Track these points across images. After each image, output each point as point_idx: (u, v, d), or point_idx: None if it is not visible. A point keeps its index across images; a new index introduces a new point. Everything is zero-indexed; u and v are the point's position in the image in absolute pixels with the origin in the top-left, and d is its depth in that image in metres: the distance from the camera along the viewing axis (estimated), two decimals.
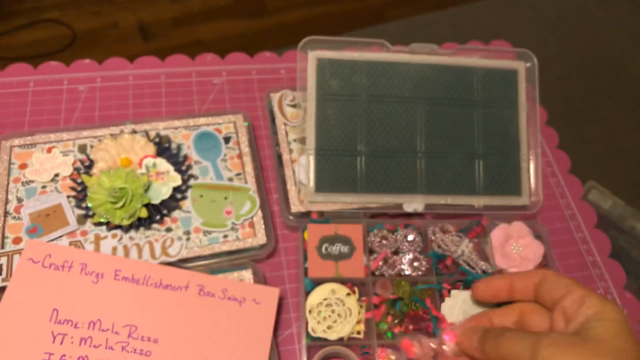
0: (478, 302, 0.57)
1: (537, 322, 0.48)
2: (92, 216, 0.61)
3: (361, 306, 0.59)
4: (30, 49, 1.93)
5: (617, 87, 2.13)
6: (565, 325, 0.45)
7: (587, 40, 2.28)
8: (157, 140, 0.67)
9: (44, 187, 0.62)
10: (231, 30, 2.08)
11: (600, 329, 0.41)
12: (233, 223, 0.63)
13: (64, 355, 0.51)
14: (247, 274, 0.60)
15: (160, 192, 0.63)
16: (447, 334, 0.53)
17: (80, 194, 0.62)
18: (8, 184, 0.62)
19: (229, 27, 2.09)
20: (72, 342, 0.51)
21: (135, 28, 2.04)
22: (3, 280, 0.56)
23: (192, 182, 0.65)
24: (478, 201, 0.67)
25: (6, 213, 0.60)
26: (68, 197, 0.62)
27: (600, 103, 2.08)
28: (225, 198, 0.64)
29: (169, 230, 0.62)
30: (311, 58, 0.65)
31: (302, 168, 0.65)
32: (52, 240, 0.59)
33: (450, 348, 0.52)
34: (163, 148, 0.66)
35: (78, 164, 0.64)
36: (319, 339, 0.56)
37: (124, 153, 0.64)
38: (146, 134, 0.67)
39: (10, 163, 0.63)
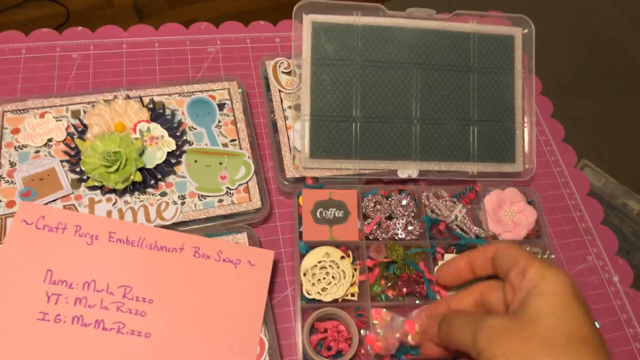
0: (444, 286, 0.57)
1: (495, 300, 0.46)
2: (86, 180, 0.61)
3: (355, 269, 0.59)
4: (23, 28, 1.89)
5: (611, 67, 2.13)
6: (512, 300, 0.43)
7: (582, 20, 2.27)
8: (151, 105, 0.66)
9: (37, 151, 0.62)
10: (227, 9, 2.06)
11: (536, 306, 0.39)
12: (228, 188, 0.63)
13: (59, 315, 0.51)
14: (242, 238, 0.60)
15: (155, 156, 0.62)
16: (408, 323, 0.53)
17: (74, 159, 0.62)
18: (0, 148, 0.62)
19: (225, 5, 2.07)
20: (66, 302, 0.51)
21: (130, 7, 2.02)
22: None
23: (186, 147, 0.65)
24: (472, 168, 0.68)
25: None
26: (62, 161, 0.62)
27: (594, 82, 2.08)
28: (220, 163, 0.64)
29: (163, 194, 0.62)
30: (306, 22, 0.65)
31: (297, 134, 0.65)
32: (46, 204, 0.59)
33: (413, 337, 0.53)
34: (157, 113, 0.66)
35: (71, 129, 0.64)
36: (314, 300, 0.57)
37: (117, 118, 0.64)
38: (140, 99, 0.66)
39: (2, 128, 0.63)
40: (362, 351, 0.56)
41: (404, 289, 0.59)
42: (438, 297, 0.59)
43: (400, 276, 0.60)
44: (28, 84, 0.70)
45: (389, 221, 0.63)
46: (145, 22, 1.97)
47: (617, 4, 2.35)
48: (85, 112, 0.65)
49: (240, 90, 0.70)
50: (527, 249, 0.63)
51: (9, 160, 0.61)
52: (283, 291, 0.61)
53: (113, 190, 0.60)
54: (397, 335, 0.54)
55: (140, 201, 0.60)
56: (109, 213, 0.59)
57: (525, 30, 0.70)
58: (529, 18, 0.70)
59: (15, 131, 0.63)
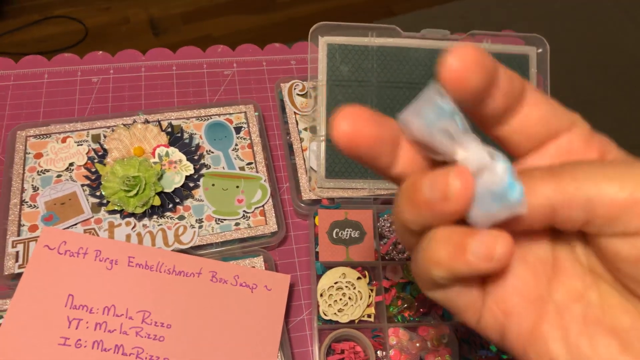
0: None
1: None
2: (106, 204, 0.62)
3: (371, 290, 0.59)
4: (42, 44, 1.94)
5: (626, 81, 2.11)
6: None
7: (596, 34, 2.26)
8: (169, 130, 0.68)
9: (58, 176, 0.63)
10: (241, 25, 2.09)
11: None
12: (244, 211, 0.64)
13: (80, 340, 0.52)
14: (259, 261, 0.61)
15: (173, 180, 0.63)
16: (422, 329, 0.56)
17: (95, 183, 0.63)
18: (24, 173, 0.63)
19: (239, 21, 2.10)
20: (87, 327, 0.52)
21: (145, 23, 2.06)
22: (20, 266, 0.57)
23: (204, 171, 0.66)
24: None
25: (22, 201, 0.61)
26: (82, 185, 0.63)
27: (609, 97, 2.06)
28: (237, 187, 0.65)
29: (181, 218, 0.62)
30: (322, 44, 0.66)
31: (313, 154, 0.66)
32: (67, 228, 0.60)
33: (432, 342, 0.56)
34: (175, 137, 0.67)
35: (92, 154, 0.65)
36: (330, 321, 0.57)
37: (137, 142, 0.65)
38: (159, 123, 0.67)
39: (25, 153, 0.64)
40: None
41: (421, 310, 0.59)
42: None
43: (416, 297, 0.60)
44: (50, 108, 0.72)
45: None
46: (161, 38, 2.01)
47: (631, 15, 2.34)
48: (105, 136, 0.66)
49: (256, 114, 0.71)
50: None
51: (32, 185, 0.62)
52: (299, 315, 0.61)
53: (132, 214, 0.61)
54: (417, 344, 0.55)
55: (158, 225, 0.61)
56: (128, 237, 0.60)
57: (540, 50, 0.70)
58: (543, 37, 0.70)
59: (38, 156, 0.64)
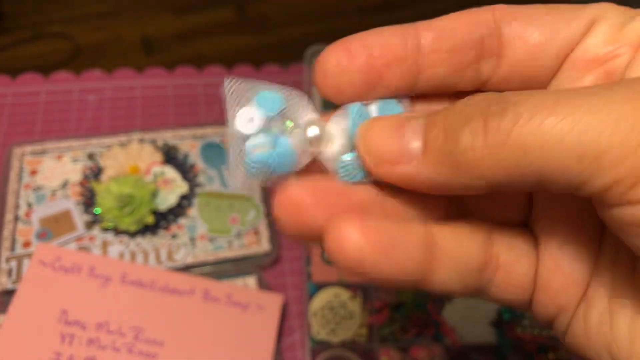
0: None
1: None
2: (100, 222, 0.62)
3: (364, 310, 0.60)
4: (34, 62, 1.95)
5: None
6: None
7: None
8: (165, 149, 0.68)
9: (53, 193, 0.64)
10: (235, 45, 2.11)
11: None
12: (238, 230, 0.64)
13: (72, 356, 0.52)
14: (251, 281, 0.61)
15: (167, 199, 0.64)
16: (413, 350, 0.57)
17: (89, 200, 0.64)
18: (19, 189, 0.63)
19: (233, 42, 2.12)
20: (80, 343, 0.52)
21: (138, 42, 2.07)
22: (13, 282, 0.57)
23: (198, 190, 0.66)
24: None
25: (17, 218, 0.61)
26: (77, 203, 0.63)
27: None
28: (231, 206, 0.66)
29: (174, 236, 0.63)
30: None
31: None
32: (61, 244, 0.60)
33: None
34: (170, 156, 0.68)
35: (87, 171, 0.66)
36: (322, 342, 0.58)
37: (132, 161, 0.66)
38: (154, 142, 0.68)
39: (21, 169, 0.65)
40: None
41: (413, 331, 0.60)
42: (448, 339, 0.60)
43: (409, 318, 0.61)
44: (46, 126, 0.72)
45: None
46: (153, 56, 2.02)
47: None
48: (100, 154, 0.67)
49: None
50: None
51: (27, 201, 0.63)
52: (291, 335, 0.61)
53: (126, 232, 0.62)
54: None
55: (152, 243, 0.62)
56: (122, 254, 0.60)
57: None
58: None
59: (34, 172, 0.65)
